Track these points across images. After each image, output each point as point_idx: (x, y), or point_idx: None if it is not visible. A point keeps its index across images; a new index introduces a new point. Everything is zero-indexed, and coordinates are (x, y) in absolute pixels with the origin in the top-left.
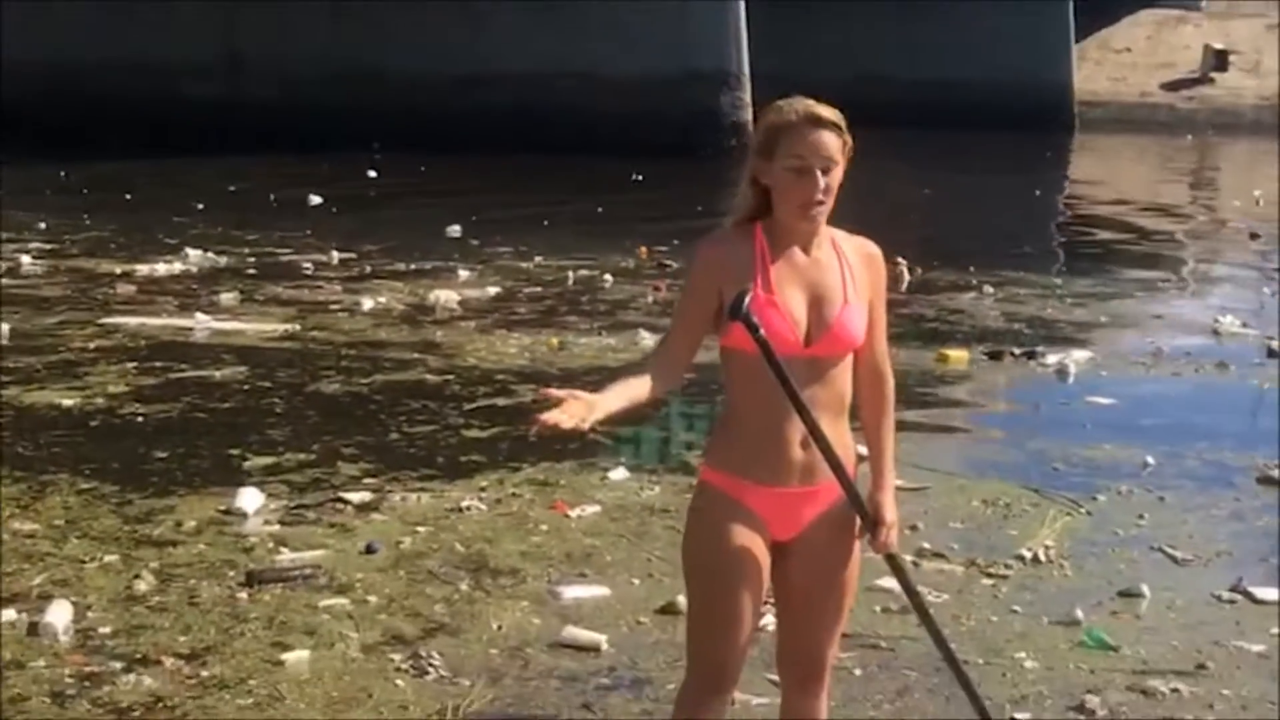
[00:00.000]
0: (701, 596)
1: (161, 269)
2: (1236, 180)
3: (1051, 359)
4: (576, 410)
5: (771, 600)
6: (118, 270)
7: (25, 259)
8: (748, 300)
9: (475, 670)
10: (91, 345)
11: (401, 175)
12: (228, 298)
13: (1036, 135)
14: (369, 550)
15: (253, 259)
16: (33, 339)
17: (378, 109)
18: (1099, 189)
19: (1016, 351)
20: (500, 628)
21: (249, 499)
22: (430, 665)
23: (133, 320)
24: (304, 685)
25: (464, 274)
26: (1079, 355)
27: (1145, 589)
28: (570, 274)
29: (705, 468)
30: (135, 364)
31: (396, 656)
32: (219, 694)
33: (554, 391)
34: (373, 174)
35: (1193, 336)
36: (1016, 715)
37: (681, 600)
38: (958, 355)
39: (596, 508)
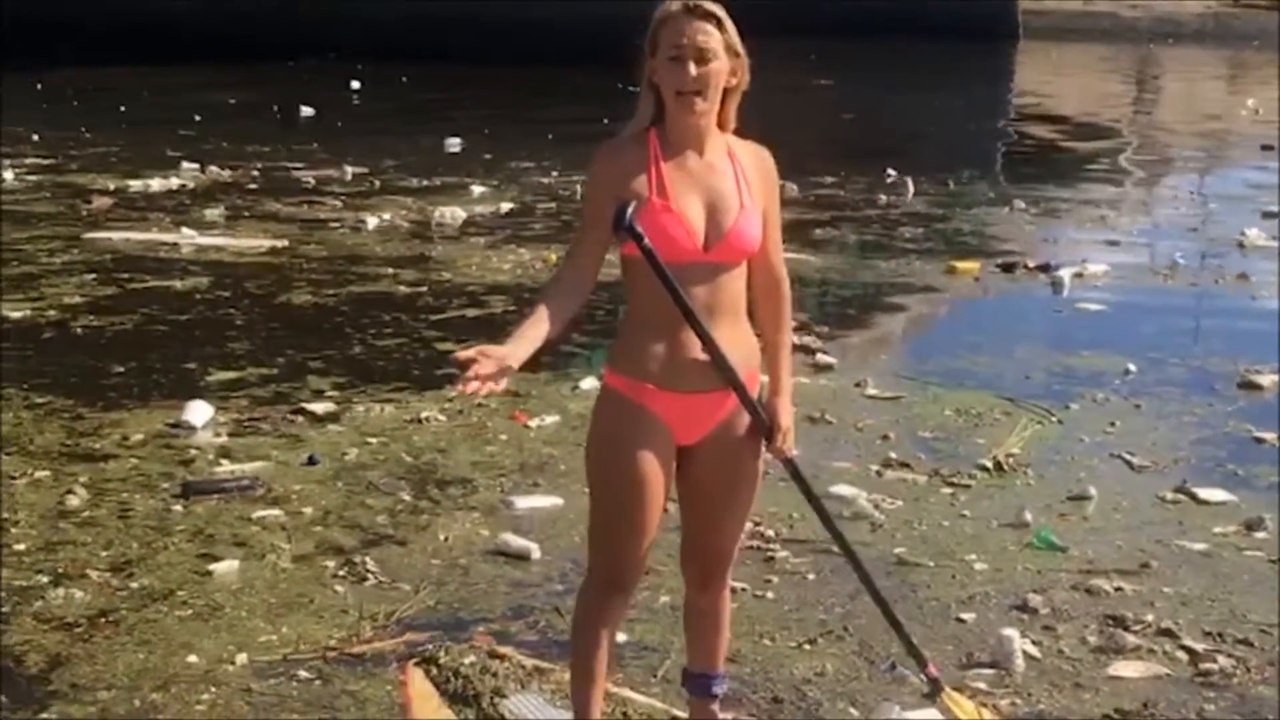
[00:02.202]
0: (604, 499)
1: (156, 184)
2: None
3: (1066, 271)
4: (488, 369)
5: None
6: (110, 186)
7: (8, 175)
8: (630, 210)
9: (415, 578)
10: (58, 260)
11: (384, 86)
12: (213, 213)
13: (981, 45)
14: (310, 462)
15: (258, 173)
16: None
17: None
18: (1066, 101)
19: (1031, 264)
20: (446, 539)
21: (197, 412)
22: (369, 572)
23: (115, 236)
24: (238, 594)
25: (478, 190)
26: (1095, 268)
27: (1093, 491)
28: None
29: (608, 373)
30: (95, 276)
31: (331, 564)
32: (155, 606)
33: (461, 354)
34: (355, 85)
35: (1217, 248)
36: (963, 615)
37: None
38: (966, 266)
39: (557, 417)
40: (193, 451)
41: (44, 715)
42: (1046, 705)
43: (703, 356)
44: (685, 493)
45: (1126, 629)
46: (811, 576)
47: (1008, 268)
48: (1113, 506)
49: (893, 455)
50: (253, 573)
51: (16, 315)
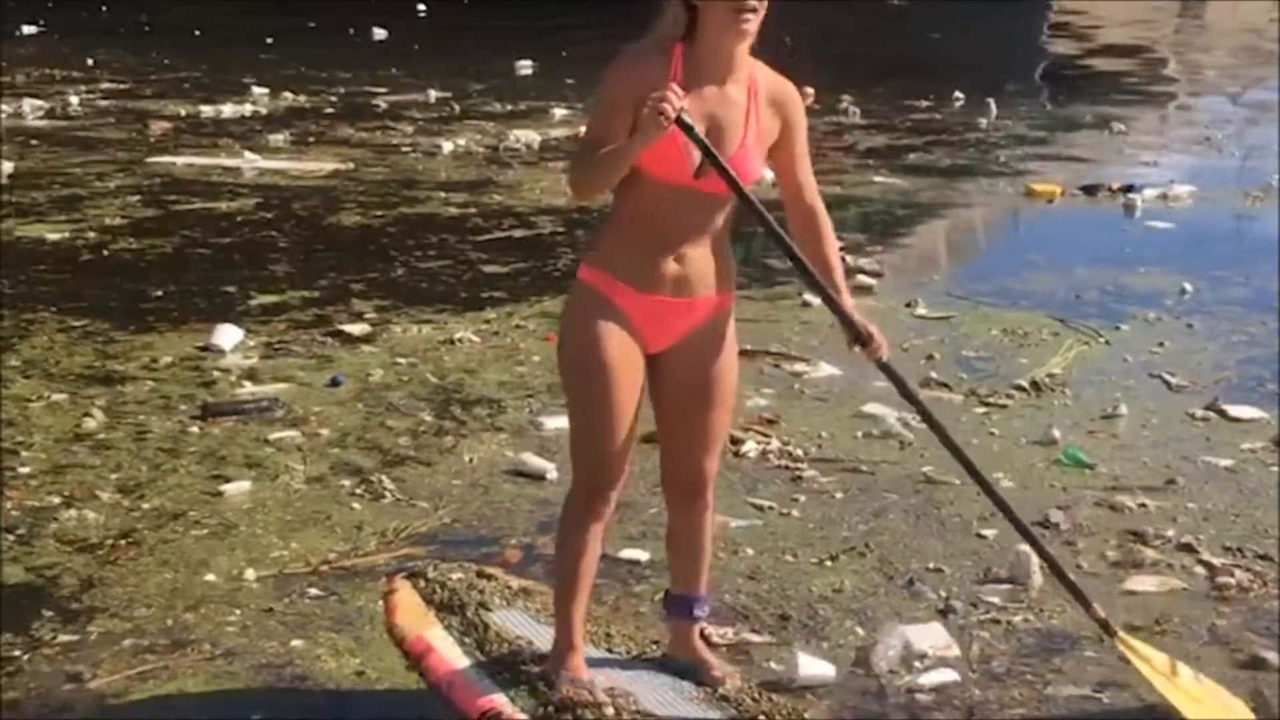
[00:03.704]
0: (581, 396)
1: (229, 110)
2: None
3: (1150, 192)
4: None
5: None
6: (181, 112)
7: (74, 99)
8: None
9: (433, 496)
10: (111, 184)
11: (450, 5)
12: (278, 138)
13: None
14: (333, 383)
15: (336, 99)
16: (43, 176)
17: None
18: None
19: (1115, 186)
20: (471, 459)
21: (226, 335)
22: (385, 490)
23: (178, 160)
24: (250, 513)
25: (560, 113)
26: (1182, 189)
27: (1124, 410)
28: None
29: (584, 268)
30: (141, 198)
31: (348, 483)
32: (170, 526)
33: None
34: (421, 8)
35: None
36: (983, 531)
37: None
38: (1047, 189)
39: None
40: (216, 374)
41: (90, 629)
42: (1059, 621)
43: (676, 266)
44: (660, 406)
45: (1146, 544)
46: (839, 495)
47: (1090, 190)
48: (1142, 424)
49: (932, 375)
50: (265, 493)
51: (55, 237)
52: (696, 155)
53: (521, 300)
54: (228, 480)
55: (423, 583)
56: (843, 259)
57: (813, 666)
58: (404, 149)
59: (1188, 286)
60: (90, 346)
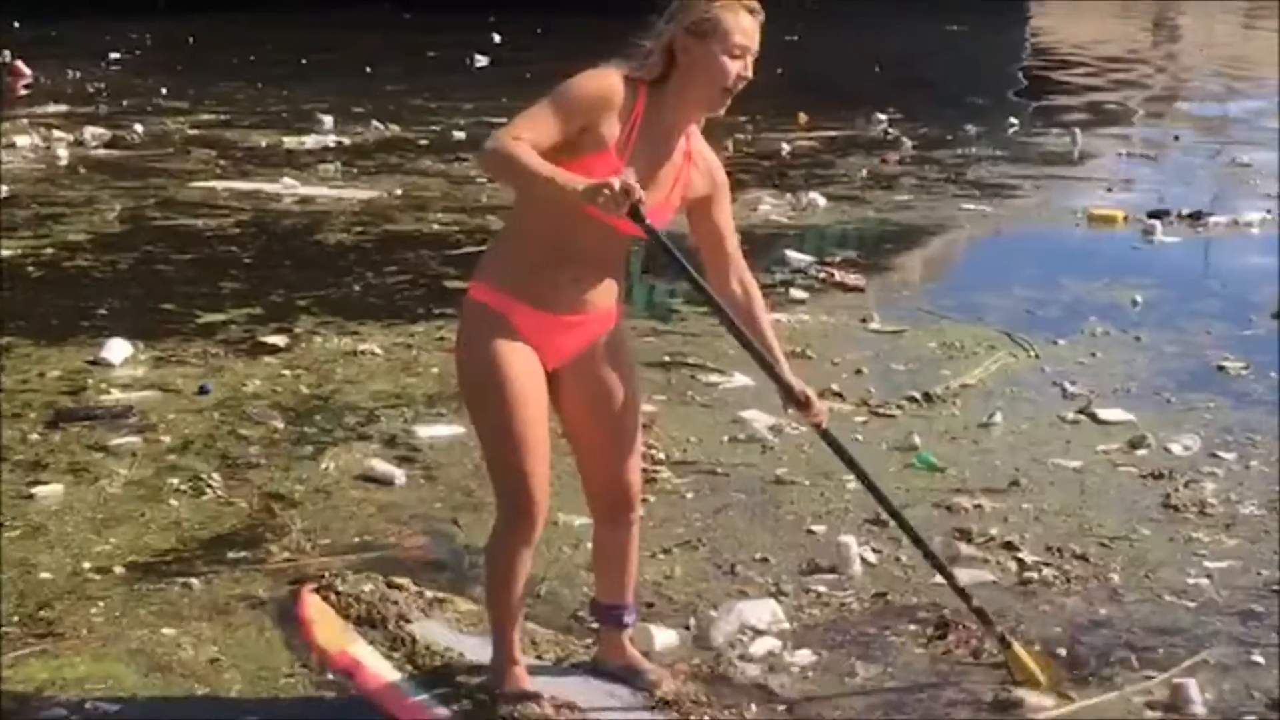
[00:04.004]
0: (491, 419)
1: (310, 141)
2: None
3: (1220, 218)
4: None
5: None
6: (263, 143)
7: (139, 128)
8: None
9: (263, 498)
10: (102, 204)
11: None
12: (328, 167)
13: None
14: (201, 391)
15: (436, 129)
16: (37, 198)
17: None
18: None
19: (1184, 211)
20: (327, 467)
21: (116, 349)
22: (209, 490)
23: (219, 185)
24: (59, 514)
25: None
26: (1252, 215)
27: (999, 418)
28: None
29: (477, 287)
30: (117, 214)
31: (174, 482)
32: None
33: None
34: (496, 37)
35: None
36: (814, 527)
37: None
38: (1109, 214)
39: None
40: (89, 382)
41: None
42: (870, 604)
43: (572, 286)
44: (568, 424)
45: (970, 541)
46: (689, 495)
47: (1157, 215)
48: (1011, 430)
49: (832, 386)
50: (76, 495)
51: (5, 254)
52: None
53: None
54: (43, 484)
55: (334, 595)
56: (831, 275)
57: (663, 636)
58: (479, 180)
59: (1138, 299)
60: None
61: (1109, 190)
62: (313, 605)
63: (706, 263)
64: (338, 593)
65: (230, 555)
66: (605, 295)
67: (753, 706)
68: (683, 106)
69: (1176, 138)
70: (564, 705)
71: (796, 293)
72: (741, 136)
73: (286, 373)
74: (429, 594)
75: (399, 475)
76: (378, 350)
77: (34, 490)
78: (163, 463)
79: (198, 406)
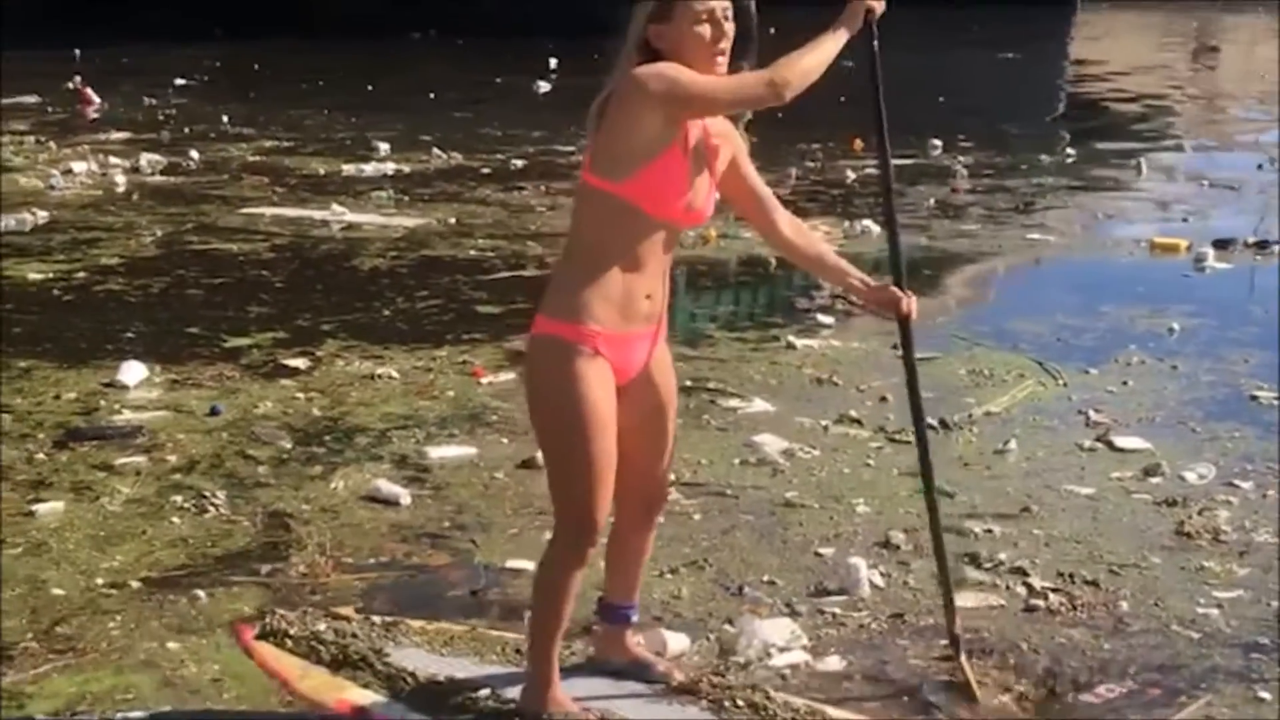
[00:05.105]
0: (565, 450)
1: (369, 169)
2: None
3: None
4: None
5: None
6: (321, 170)
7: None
8: None
9: (270, 516)
10: (140, 230)
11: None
12: (381, 195)
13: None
14: (213, 412)
15: (500, 157)
16: (75, 224)
17: None
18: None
19: (1251, 240)
20: (336, 487)
21: (131, 371)
22: (213, 508)
23: (268, 211)
24: (59, 531)
25: None
26: None
27: (1014, 444)
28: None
29: (549, 322)
30: (154, 239)
31: (178, 499)
32: None
33: None
34: (554, 61)
35: None
36: (821, 550)
37: (541, 456)
38: (1171, 243)
39: (512, 375)
40: (101, 403)
41: None
42: (877, 625)
43: (647, 302)
44: (623, 430)
45: (979, 566)
46: (697, 516)
47: (1223, 244)
48: (1026, 457)
49: (852, 413)
50: (77, 513)
51: (37, 278)
52: (689, 192)
53: (495, 339)
54: (43, 502)
55: (290, 641)
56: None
57: (676, 641)
58: (539, 208)
59: (1175, 326)
60: (9, 383)
61: (1184, 221)
62: (270, 654)
63: (754, 219)
64: (292, 637)
65: (241, 572)
66: (663, 302)
67: (770, 690)
68: None
69: (1261, 167)
70: (602, 716)
71: (825, 318)
72: (811, 164)
73: (300, 395)
74: (378, 619)
75: (404, 495)
76: (395, 374)
77: (34, 508)
78: (166, 481)
79: (207, 427)
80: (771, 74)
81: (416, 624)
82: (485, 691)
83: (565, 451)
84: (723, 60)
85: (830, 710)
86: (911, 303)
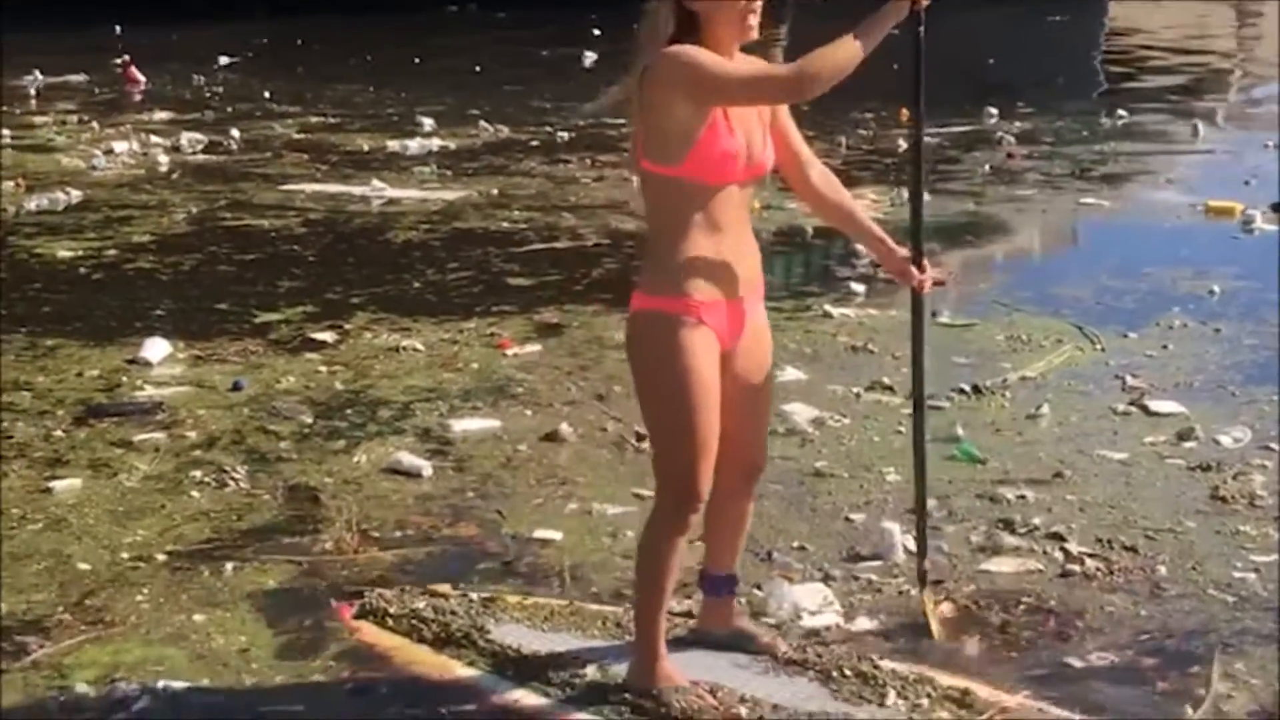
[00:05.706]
0: (673, 422)
1: (414, 146)
2: None
3: None
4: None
5: None
6: (365, 146)
7: (236, 133)
8: None
9: (292, 490)
10: (173, 207)
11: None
12: (424, 170)
13: None
14: (235, 387)
15: (549, 130)
16: (108, 202)
17: None
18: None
19: None
20: (360, 460)
21: (155, 348)
22: (233, 482)
23: (307, 188)
24: (78, 507)
25: None
26: None
27: (1046, 409)
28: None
29: (647, 297)
30: (186, 217)
31: (197, 474)
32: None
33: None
34: (597, 32)
35: None
36: (852, 516)
37: (565, 428)
38: (1227, 206)
39: (538, 346)
40: (123, 380)
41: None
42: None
43: (741, 267)
44: (726, 398)
45: (1013, 532)
46: None
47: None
48: (1059, 421)
49: (885, 380)
50: (94, 489)
51: (66, 255)
52: (745, 149)
53: (525, 311)
54: (60, 479)
55: (390, 620)
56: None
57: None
58: (583, 179)
59: (1215, 289)
60: (33, 361)
61: (1246, 184)
62: (368, 632)
63: (787, 169)
64: (390, 614)
65: (266, 546)
66: (759, 265)
67: (875, 656)
68: (720, 47)
69: None
70: (712, 689)
71: (858, 286)
72: (863, 133)
73: (324, 369)
74: (473, 595)
75: (426, 467)
76: (419, 346)
77: (51, 484)
78: (185, 457)
79: (229, 402)
80: (800, 68)
81: (514, 599)
82: (591, 667)
83: (672, 423)
84: (754, 21)
85: (939, 676)
86: (924, 277)
